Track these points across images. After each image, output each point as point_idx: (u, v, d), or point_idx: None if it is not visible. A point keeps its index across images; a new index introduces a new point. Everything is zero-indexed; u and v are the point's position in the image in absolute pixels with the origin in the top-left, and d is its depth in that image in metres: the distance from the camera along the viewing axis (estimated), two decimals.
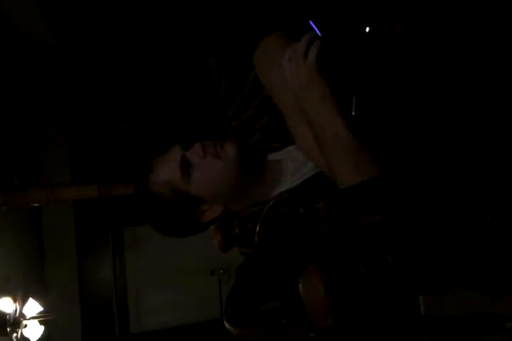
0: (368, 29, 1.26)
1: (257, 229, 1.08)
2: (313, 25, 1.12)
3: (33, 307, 2.97)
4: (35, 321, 2.96)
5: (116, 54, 3.68)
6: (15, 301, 2.91)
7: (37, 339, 2.98)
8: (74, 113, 3.80)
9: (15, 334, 2.79)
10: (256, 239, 1.08)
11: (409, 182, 1.01)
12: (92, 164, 3.84)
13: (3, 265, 2.93)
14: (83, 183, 2.53)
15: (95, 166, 3.83)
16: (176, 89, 3.68)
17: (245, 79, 1.28)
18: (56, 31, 3.36)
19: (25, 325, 2.91)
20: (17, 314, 2.87)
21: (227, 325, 0.96)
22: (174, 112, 3.69)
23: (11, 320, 2.79)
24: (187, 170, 1.12)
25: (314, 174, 1.11)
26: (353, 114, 1.16)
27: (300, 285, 0.80)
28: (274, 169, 1.16)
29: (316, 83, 0.98)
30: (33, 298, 3.01)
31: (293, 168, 1.15)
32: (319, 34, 1.09)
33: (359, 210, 0.92)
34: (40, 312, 3.00)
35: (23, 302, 2.96)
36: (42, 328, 2.99)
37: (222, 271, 4.29)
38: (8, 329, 2.75)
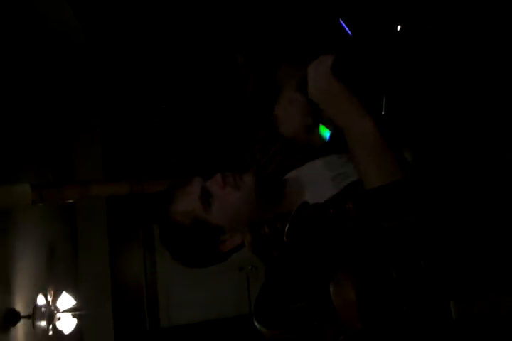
0: (399, 27, 1.25)
1: (286, 228, 1.08)
2: (344, 25, 1.12)
3: (66, 300, 3.04)
4: (69, 314, 3.02)
5: (148, 52, 3.72)
6: (49, 295, 2.99)
7: (69, 331, 3.05)
8: (106, 110, 3.86)
9: (50, 326, 2.87)
10: (285, 239, 1.08)
11: (437, 183, 1.00)
12: (124, 161, 3.90)
13: (38, 260, 3.01)
14: (115, 180, 2.57)
15: (127, 163, 3.89)
16: (205, 86, 3.70)
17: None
18: (88, 29, 3.40)
19: (59, 318, 2.98)
20: (51, 307, 2.95)
21: (257, 324, 0.97)
22: (204, 110, 3.71)
23: (46, 313, 2.86)
24: (207, 200, 1.14)
25: (336, 193, 1.12)
26: (382, 113, 1.16)
27: (331, 290, 0.81)
28: (292, 191, 1.17)
29: (334, 86, 0.98)
30: (67, 291, 3.08)
31: (311, 188, 1.16)
32: (349, 33, 1.09)
33: (384, 212, 0.92)
34: (74, 306, 3.07)
35: (57, 295, 3.03)
36: (75, 321, 3.06)
37: (250, 268, 4.32)
38: (43, 322, 2.82)
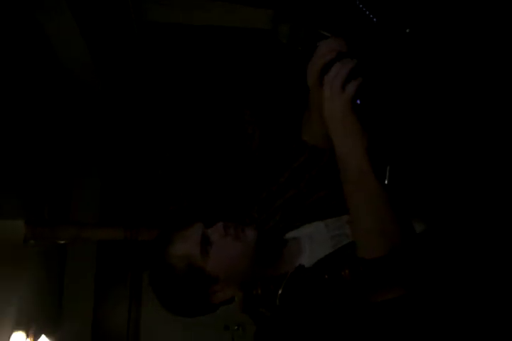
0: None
1: (280, 292, 1.06)
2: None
3: None
4: None
5: (154, 100, 3.79)
6: (27, 336, 2.88)
7: None
8: (109, 155, 3.88)
9: None
10: (277, 302, 1.06)
11: (435, 258, 0.98)
12: (121, 206, 3.87)
13: (21, 299, 2.92)
14: (110, 225, 2.55)
15: (124, 208, 3.86)
16: (209, 137, 3.74)
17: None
18: (102, 73, 3.46)
19: None
20: None
21: None
22: (208, 162, 3.74)
23: None
24: (206, 247, 1.13)
25: (330, 253, 1.11)
26: (386, 182, 1.15)
27: None
28: (291, 251, 1.16)
29: (348, 118, 0.92)
30: (46, 334, 2.98)
31: (310, 247, 1.15)
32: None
33: (379, 282, 0.89)
34: None
35: (36, 338, 2.93)
36: None
37: (236, 327, 4.18)
38: None
